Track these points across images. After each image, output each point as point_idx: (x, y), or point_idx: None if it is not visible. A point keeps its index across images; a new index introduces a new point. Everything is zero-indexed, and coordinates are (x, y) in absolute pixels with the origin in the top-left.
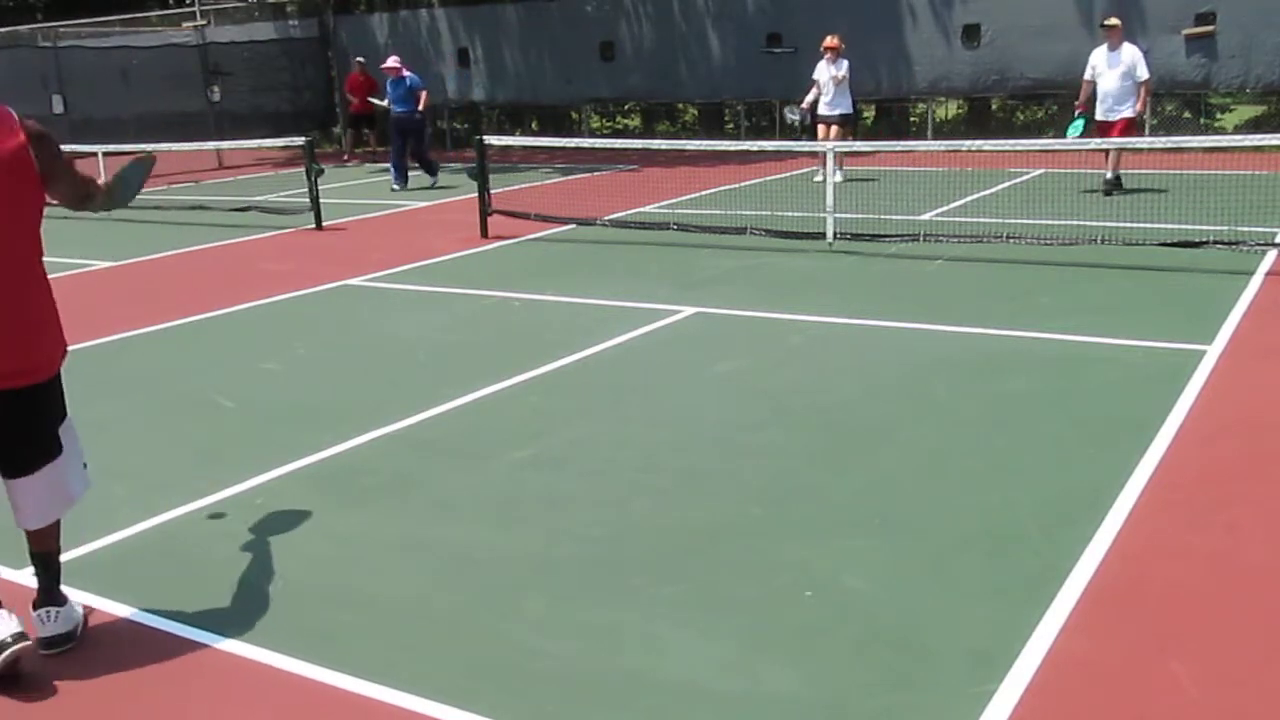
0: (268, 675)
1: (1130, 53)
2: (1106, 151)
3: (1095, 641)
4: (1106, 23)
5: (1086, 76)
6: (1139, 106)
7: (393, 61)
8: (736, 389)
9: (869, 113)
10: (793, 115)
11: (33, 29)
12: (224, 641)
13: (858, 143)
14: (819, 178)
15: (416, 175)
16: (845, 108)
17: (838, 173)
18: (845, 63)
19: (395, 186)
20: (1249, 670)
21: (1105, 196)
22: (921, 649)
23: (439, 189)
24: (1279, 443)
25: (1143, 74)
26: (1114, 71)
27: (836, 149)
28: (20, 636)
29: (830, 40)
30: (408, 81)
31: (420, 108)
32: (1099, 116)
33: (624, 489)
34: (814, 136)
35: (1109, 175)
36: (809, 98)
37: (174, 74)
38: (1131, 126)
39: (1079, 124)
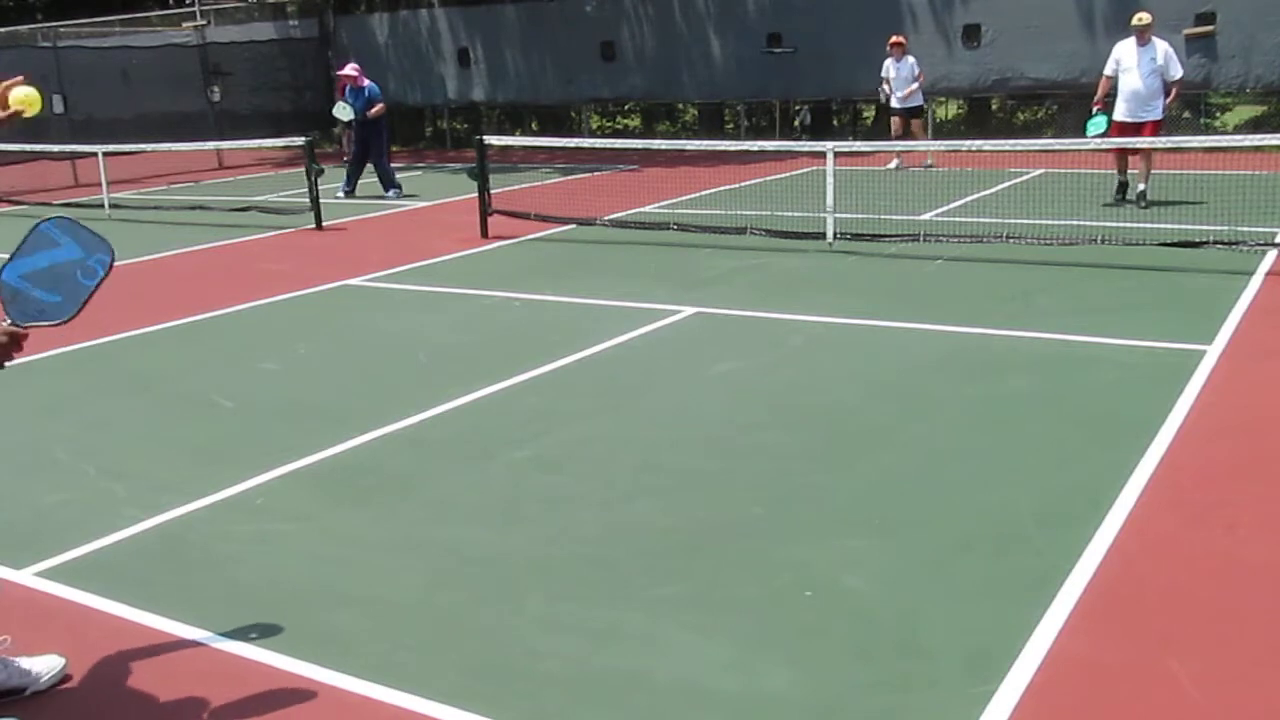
0: (268, 675)
1: (1163, 49)
2: (1125, 155)
3: (1095, 641)
4: (1137, 21)
5: (1107, 72)
6: (1168, 106)
7: (350, 70)
8: (736, 389)
9: (869, 112)
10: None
11: (33, 29)
12: (224, 641)
13: (858, 143)
14: (930, 161)
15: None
16: (916, 101)
17: (929, 160)
18: (910, 60)
19: (340, 193)
20: (1249, 670)
21: (1142, 209)
22: (921, 649)
23: (367, 199)
24: (1279, 443)
25: (1176, 72)
26: (1144, 69)
27: (915, 148)
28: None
29: (893, 40)
30: (366, 92)
31: (371, 113)
32: (1122, 117)
33: (624, 489)
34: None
35: (1141, 186)
36: (882, 93)
37: (174, 74)
38: (1161, 128)
39: (1101, 120)
